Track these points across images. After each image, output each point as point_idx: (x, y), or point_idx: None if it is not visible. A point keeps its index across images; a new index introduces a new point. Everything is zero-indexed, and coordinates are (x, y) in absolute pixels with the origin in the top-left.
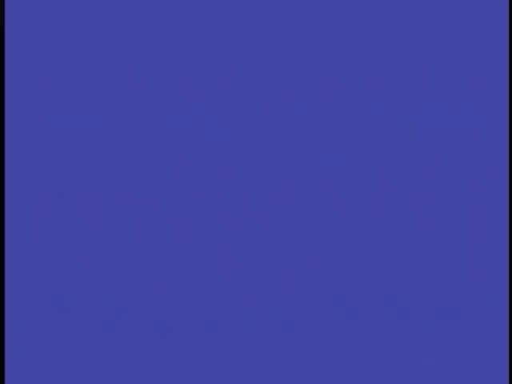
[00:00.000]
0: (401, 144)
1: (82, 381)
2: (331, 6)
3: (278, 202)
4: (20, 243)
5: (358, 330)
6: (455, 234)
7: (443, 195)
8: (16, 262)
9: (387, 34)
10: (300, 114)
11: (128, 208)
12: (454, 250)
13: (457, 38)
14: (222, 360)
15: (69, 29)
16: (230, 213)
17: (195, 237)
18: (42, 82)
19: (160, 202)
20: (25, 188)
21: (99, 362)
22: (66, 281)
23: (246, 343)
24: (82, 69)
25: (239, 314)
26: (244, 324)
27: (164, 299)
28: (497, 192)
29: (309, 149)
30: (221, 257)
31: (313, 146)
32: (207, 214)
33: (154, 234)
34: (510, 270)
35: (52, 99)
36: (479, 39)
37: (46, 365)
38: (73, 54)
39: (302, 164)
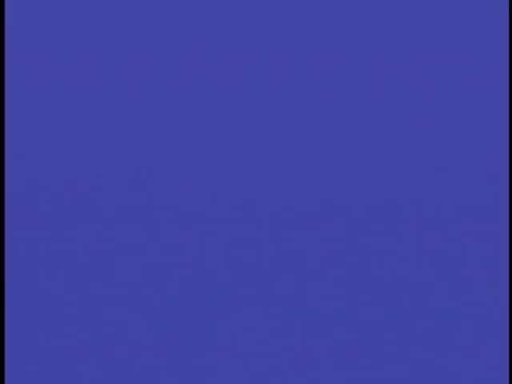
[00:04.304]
0: (400, 144)
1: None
2: (331, 6)
3: (276, 200)
4: (20, 244)
5: (358, 327)
6: (455, 235)
7: (443, 197)
8: (15, 261)
9: (387, 34)
10: (298, 113)
11: (126, 212)
12: (455, 249)
13: (457, 38)
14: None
15: (68, 28)
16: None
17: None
18: (42, 81)
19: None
20: (25, 189)
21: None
22: (65, 281)
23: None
24: (82, 68)
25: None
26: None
27: (164, 300)
28: (497, 192)
29: (307, 148)
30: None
31: (311, 145)
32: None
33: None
34: (510, 269)
35: (52, 100)
36: (479, 39)
37: (45, 365)
38: (72, 53)
39: (300, 164)
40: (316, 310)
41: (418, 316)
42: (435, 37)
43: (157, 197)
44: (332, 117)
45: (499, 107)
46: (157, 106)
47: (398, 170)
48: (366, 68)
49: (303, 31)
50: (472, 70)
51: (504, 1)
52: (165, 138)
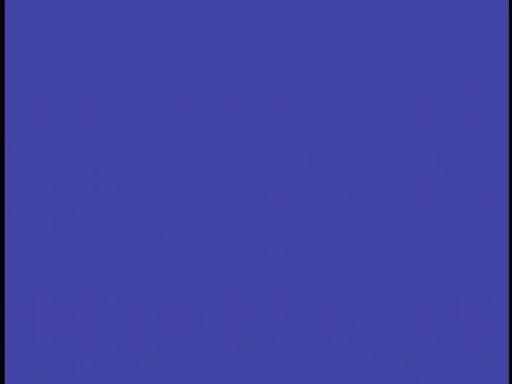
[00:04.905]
0: (400, 145)
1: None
2: (331, 6)
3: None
4: (19, 244)
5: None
6: (456, 233)
7: (444, 197)
8: (15, 260)
9: (387, 34)
10: (298, 114)
11: (126, 209)
12: (455, 247)
13: (457, 38)
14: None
15: (68, 27)
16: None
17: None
18: (43, 81)
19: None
20: (24, 189)
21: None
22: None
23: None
24: (82, 69)
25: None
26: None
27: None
28: (497, 193)
29: (307, 149)
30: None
31: (311, 146)
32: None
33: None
34: (510, 267)
35: (52, 101)
36: (479, 39)
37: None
38: (73, 53)
39: (300, 164)
40: (316, 308)
41: (418, 315)
42: (435, 36)
43: (156, 198)
44: (332, 116)
45: (499, 107)
46: (157, 105)
47: (398, 169)
48: (366, 68)
49: (303, 31)
50: (472, 69)
51: (504, 1)
52: (164, 137)
